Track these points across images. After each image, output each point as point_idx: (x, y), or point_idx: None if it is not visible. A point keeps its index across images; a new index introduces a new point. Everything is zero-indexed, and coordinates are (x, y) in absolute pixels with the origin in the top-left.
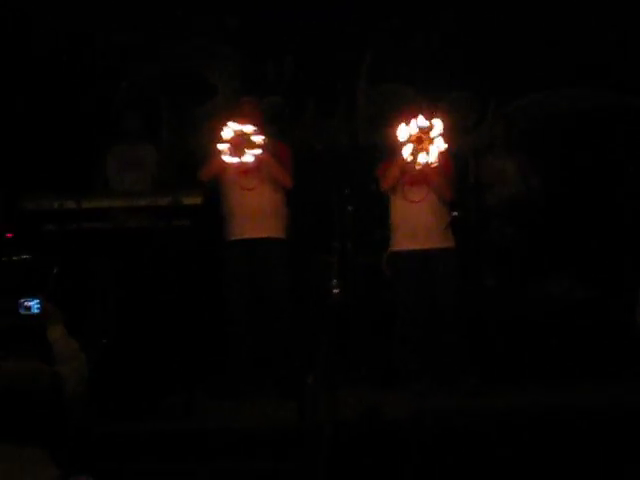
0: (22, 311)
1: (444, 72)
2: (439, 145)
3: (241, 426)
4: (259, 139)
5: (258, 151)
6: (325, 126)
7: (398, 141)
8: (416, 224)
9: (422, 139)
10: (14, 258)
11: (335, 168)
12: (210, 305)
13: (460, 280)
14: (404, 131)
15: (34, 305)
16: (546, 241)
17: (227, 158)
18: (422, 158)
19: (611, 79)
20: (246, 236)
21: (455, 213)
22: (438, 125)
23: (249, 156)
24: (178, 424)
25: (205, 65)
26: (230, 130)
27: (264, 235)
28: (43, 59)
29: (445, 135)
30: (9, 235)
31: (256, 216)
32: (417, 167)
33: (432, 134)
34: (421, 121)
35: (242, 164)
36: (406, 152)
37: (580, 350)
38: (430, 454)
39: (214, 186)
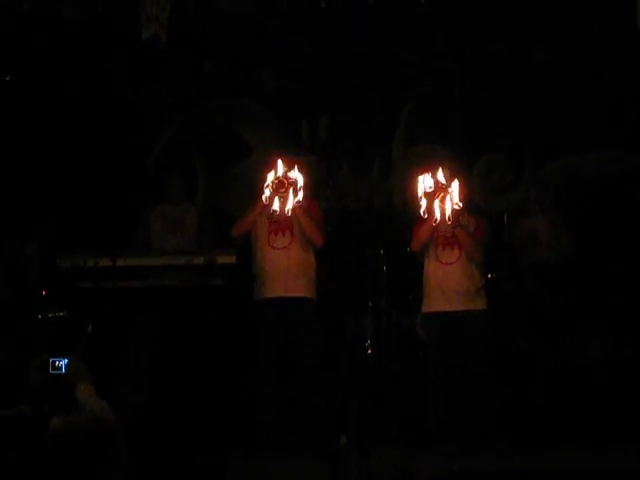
0: (52, 371)
1: (480, 134)
2: (455, 202)
3: None
4: (302, 187)
5: (299, 197)
6: (360, 186)
7: (415, 197)
8: (448, 286)
9: (437, 195)
10: (49, 315)
11: (370, 228)
12: (243, 364)
13: (492, 342)
14: (420, 187)
15: (63, 365)
16: (581, 302)
17: (274, 205)
18: (437, 214)
19: None
20: (275, 295)
21: (489, 275)
22: (454, 182)
23: (290, 204)
24: None
25: (240, 124)
26: (272, 177)
27: (293, 294)
28: (82, 116)
29: (464, 194)
30: (44, 292)
31: (285, 275)
32: (434, 223)
33: (448, 191)
34: (438, 177)
35: (273, 221)
36: (422, 207)
37: (616, 411)
38: None
39: (245, 244)
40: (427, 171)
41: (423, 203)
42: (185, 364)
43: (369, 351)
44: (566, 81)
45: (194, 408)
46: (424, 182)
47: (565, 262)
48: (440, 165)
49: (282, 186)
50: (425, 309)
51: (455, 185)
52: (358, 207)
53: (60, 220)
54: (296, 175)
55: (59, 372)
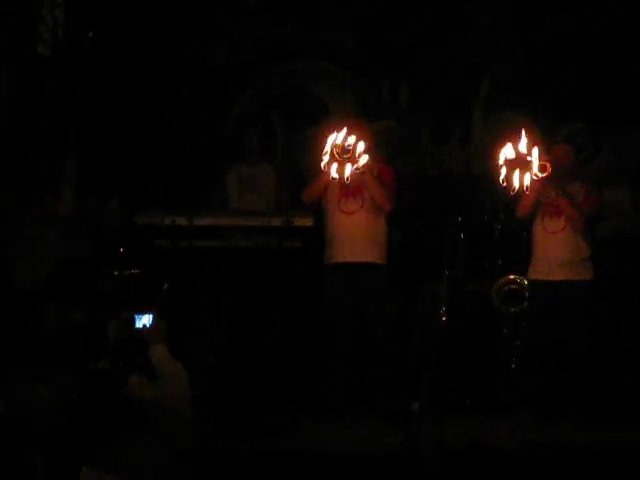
0: (139, 325)
1: (560, 102)
2: (535, 172)
3: (344, 450)
4: (361, 153)
5: (361, 163)
6: (439, 153)
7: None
8: (552, 255)
9: (516, 164)
10: (125, 272)
11: (448, 195)
12: (316, 327)
13: (593, 315)
14: (501, 155)
15: (149, 320)
16: None
17: (332, 172)
18: (516, 182)
19: None
20: (345, 260)
21: None
22: (535, 152)
23: (349, 170)
24: (282, 444)
25: (317, 85)
26: (331, 143)
27: (363, 260)
28: (165, 78)
29: (547, 165)
30: (122, 249)
31: (355, 240)
32: (512, 192)
33: (528, 159)
34: (520, 146)
35: (344, 184)
36: (501, 176)
37: None
38: None
39: (317, 209)
40: (509, 139)
41: (503, 171)
42: (260, 326)
43: (443, 318)
44: None
45: (267, 370)
46: (505, 150)
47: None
48: (522, 133)
49: (341, 153)
50: (530, 276)
51: (535, 154)
52: (437, 173)
53: (139, 178)
54: (356, 141)
55: (143, 328)
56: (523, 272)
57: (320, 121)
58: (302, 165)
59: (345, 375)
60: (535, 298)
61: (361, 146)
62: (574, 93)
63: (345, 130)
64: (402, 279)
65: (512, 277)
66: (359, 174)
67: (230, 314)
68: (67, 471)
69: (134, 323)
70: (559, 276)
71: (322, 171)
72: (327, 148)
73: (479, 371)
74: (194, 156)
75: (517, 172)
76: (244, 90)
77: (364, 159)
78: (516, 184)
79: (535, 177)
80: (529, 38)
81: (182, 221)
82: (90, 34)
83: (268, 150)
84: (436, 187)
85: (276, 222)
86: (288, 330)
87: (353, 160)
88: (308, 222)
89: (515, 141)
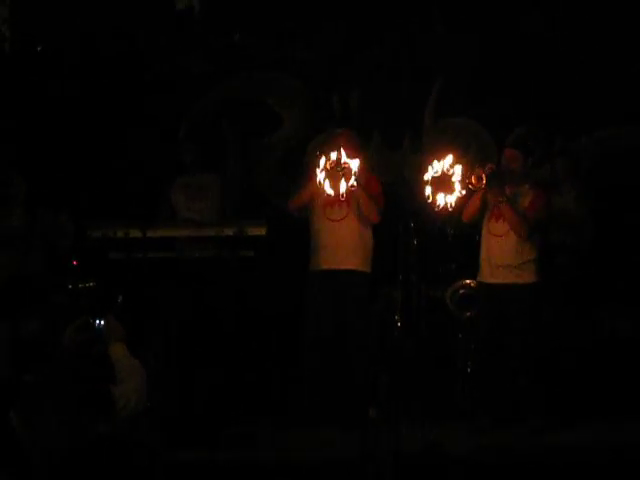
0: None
1: (511, 108)
2: (458, 190)
3: (302, 457)
4: (355, 169)
5: (353, 182)
6: (391, 159)
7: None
8: (494, 258)
9: (442, 182)
10: (79, 285)
11: (400, 201)
12: (276, 336)
13: (536, 317)
14: (429, 172)
15: (101, 325)
16: (611, 279)
17: (326, 188)
18: (440, 200)
19: None
20: (330, 267)
21: None
22: (457, 171)
23: (343, 187)
24: (239, 454)
25: (271, 95)
26: (327, 160)
27: (347, 267)
28: (110, 88)
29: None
30: (75, 262)
31: (340, 248)
32: (436, 209)
33: (453, 179)
34: (444, 164)
35: (334, 195)
36: (426, 192)
37: None
38: None
39: (304, 216)
40: (436, 157)
41: (427, 189)
42: (214, 335)
43: (399, 324)
44: (597, 55)
45: (223, 380)
46: (430, 168)
47: (595, 238)
48: (448, 151)
49: (335, 170)
50: (477, 279)
51: (458, 173)
52: (389, 180)
53: (91, 190)
54: (350, 160)
55: (98, 331)
56: (477, 276)
57: (274, 131)
58: (257, 175)
59: (318, 382)
60: (483, 301)
61: (355, 164)
62: (525, 98)
63: (340, 148)
64: None
65: (466, 281)
66: (343, 194)
67: (184, 325)
68: None
69: (91, 326)
70: (502, 279)
71: (309, 181)
72: (321, 165)
73: (435, 376)
74: (143, 167)
75: (441, 194)
76: (196, 100)
77: (355, 169)
78: (440, 202)
79: (460, 194)
80: (481, 41)
81: (135, 233)
82: (39, 48)
83: (216, 160)
84: (388, 193)
85: (229, 232)
86: (244, 339)
87: (348, 177)
88: (261, 231)
89: (440, 159)
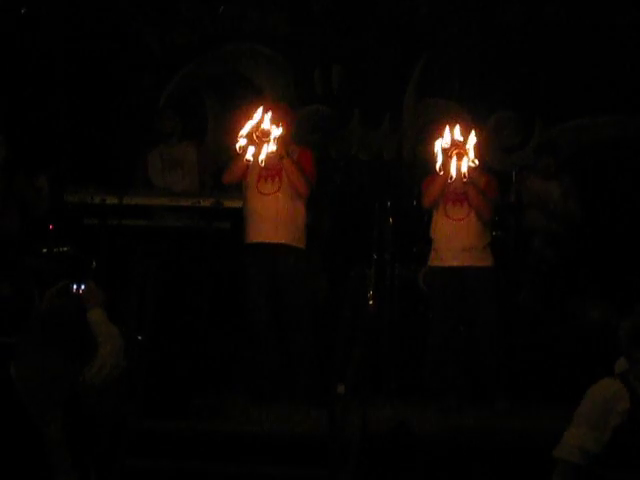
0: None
1: (491, 90)
2: (472, 159)
3: (268, 431)
4: (277, 137)
5: (273, 148)
6: (370, 137)
7: (434, 153)
8: (456, 242)
9: (453, 152)
10: (54, 250)
11: (378, 180)
12: (242, 307)
13: (497, 300)
14: (437, 143)
15: (81, 289)
16: (585, 265)
17: (248, 154)
18: (453, 170)
19: None
20: (259, 240)
21: (494, 233)
22: (471, 139)
23: (264, 153)
24: (206, 425)
25: (252, 68)
26: (248, 126)
27: (276, 241)
28: (91, 56)
29: (480, 152)
30: (51, 227)
31: (271, 221)
32: (450, 180)
33: (465, 147)
34: (455, 134)
35: (263, 168)
36: (438, 163)
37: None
38: (456, 471)
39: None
40: (444, 127)
41: (439, 159)
42: (187, 306)
43: (371, 302)
44: (579, 43)
45: (194, 349)
46: (442, 138)
47: (571, 224)
48: (457, 121)
49: (261, 136)
50: (431, 263)
51: (472, 142)
52: (368, 158)
53: (69, 156)
54: (271, 126)
55: (81, 292)
56: (432, 260)
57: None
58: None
59: (268, 356)
60: (440, 285)
61: (277, 130)
62: (507, 81)
63: (262, 113)
64: (332, 263)
65: None
66: (278, 158)
67: (158, 294)
68: None
69: (70, 290)
70: (464, 262)
71: (240, 153)
72: (244, 131)
73: (405, 355)
74: (122, 135)
75: (454, 160)
76: (176, 71)
77: (276, 137)
78: (453, 172)
79: (473, 164)
80: (464, 25)
81: (112, 200)
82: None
83: (195, 131)
84: (366, 172)
85: (206, 203)
86: (217, 311)
87: (269, 143)
88: (238, 203)
89: (450, 128)
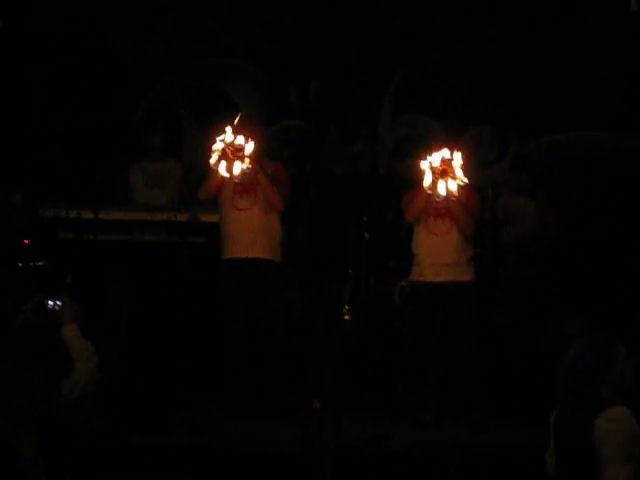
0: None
1: (467, 105)
2: (460, 178)
3: (245, 447)
4: (250, 154)
5: (246, 165)
6: (346, 152)
7: (420, 171)
8: (438, 257)
9: (443, 171)
10: (30, 264)
11: (354, 195)
12: (218, 322)
13: (477, 314)
14: (426, 162)
15: (57, 305)
16: (561, 280)
17: (221, 170)
18: (442, 190)
19: (632, 123)
20: (235, 255)
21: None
22: (457, 158)
23: (237, 169)
24: (183, 440)
25: (228, 83)
26: (220, 142)
27: (252, 255)
28: (70, 71)
29: (465, 169)
30: (26, 241)
31: (246, 236)
32: (437, 199)
33: (453, 166)
34: (444, 153)
35: (237, 183)
36: (426, 182)
37: None
38: None
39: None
40: (431, 146)
41: (428, 177)
42: (163, 320)
43: (346, 317)
44: (553, 58)
45: (170, 364)
46: (430, 157)
47: (547, 239)
48: (444, 140)
49: (234, 151)
50: (413, 278)
51: (459, 161)
52: (343, 173)
53: (45, 170)
54: (243, 142)
55: (56, 308)
56: (413, 275)
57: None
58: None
59: (244, 372)
60: (421, 300)
61: (250, 146)
62: (482, 96)
63: (232, 130)
64: (307, 277)
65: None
66: (253, 173)
67: (133, 309)
68: None
69: (45, 306)
70: (446, 277)
71: (215, 170)
72: (216, 146)
73: (380, 370)
74: (100, 149)
75: (442, 182)
76: (153, 85)
77: (248, 152)
78: (442, 192)
79: (462, 183)
80: (440, 40)
81: (87, 214)
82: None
83: (174, 146)
84: (342, 186)
85: (182, 217)
86: (193, 325)
87: (242, 159)
88: (214, 218)
89: (438, 147)
